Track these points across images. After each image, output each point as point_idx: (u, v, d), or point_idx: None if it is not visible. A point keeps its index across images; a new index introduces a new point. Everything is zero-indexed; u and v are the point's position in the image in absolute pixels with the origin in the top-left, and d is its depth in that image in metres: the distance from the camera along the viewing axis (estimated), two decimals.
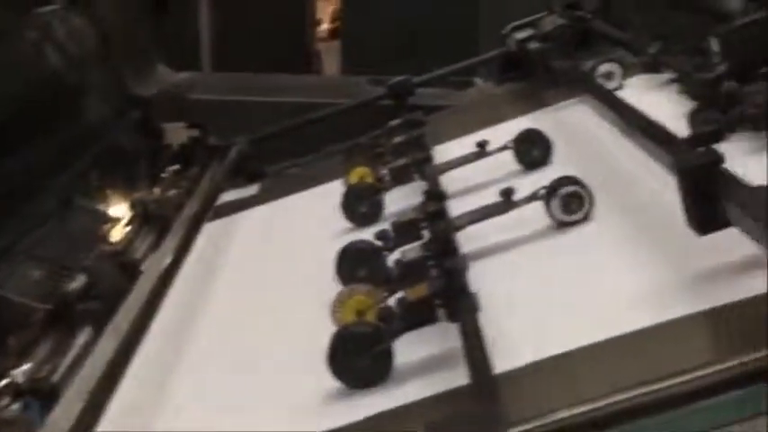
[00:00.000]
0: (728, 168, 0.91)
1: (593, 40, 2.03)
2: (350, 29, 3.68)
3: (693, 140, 0.92)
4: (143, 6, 2.15)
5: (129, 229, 1.63)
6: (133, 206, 1.66)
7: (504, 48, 2.05)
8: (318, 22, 5.05)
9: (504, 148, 1.49)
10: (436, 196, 1.21)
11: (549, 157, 1.48)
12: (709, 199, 0.90)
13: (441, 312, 0.97)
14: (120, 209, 1.69)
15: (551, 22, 1.99)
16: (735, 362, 0.71)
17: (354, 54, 3.53)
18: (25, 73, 1.67)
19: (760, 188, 0.88)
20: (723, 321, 0.85)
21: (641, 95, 1.69)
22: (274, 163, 2.05)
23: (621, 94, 1.74)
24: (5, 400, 1.05)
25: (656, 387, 0.72)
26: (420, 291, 0.97)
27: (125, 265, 1.44)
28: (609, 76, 1.78)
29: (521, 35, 2.00)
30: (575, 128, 1.59)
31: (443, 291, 0.96)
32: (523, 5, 2.12)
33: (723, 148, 0.98)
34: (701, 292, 0.90)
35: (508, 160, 1.49)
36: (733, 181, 0.90)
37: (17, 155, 1.47)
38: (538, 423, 0.72)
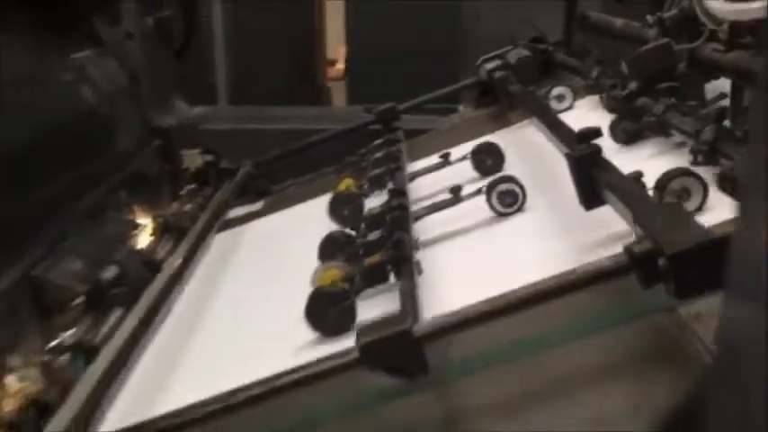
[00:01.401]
0: (605, 158, 1.18)
1: (557, 69, 2.32)
2: (354, 68, 4.04)
3: (580, 137, 1.19)
4: (166, 51, 2.48)
5: (152, 237, 1.93)
6: (155, 218, 1.96)
7: (477, 78, 2.34)
8: (333, 63, 5.39)
9: (463, 158, 1.77)
10: (398, 193, 1.50)
11: (502, 166, 1.76)
12: (590, 182, 1.17)
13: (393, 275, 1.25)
14: (145, 221, 2.00)
15: (516, 53, 2.29)
16: None
17: (359, 89, 3.87)
18: (65, 109, 1.99)
19: (627, 175, 1.15)
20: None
21: (585, 113, 1.98)
22: (279, 182, 2.35)
23: (571, 113, 2.03)
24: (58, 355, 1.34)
25: None
26: (375, 258, 1.25)
27: (148, 263, 1.73)
28: (560, 98, 2.07)
29: (490, 66, 2.30)
30: (525, 142, 1.87)
31: (392, 258, 1.23)
32: (499, 40, 2.43)
33: (637, 149, 1.25)
34: (582, 260, 1.16)
35: (468, 168, 1.77)
36: (607, 168, 1.17)
37: (60, 176, 1.77)
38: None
